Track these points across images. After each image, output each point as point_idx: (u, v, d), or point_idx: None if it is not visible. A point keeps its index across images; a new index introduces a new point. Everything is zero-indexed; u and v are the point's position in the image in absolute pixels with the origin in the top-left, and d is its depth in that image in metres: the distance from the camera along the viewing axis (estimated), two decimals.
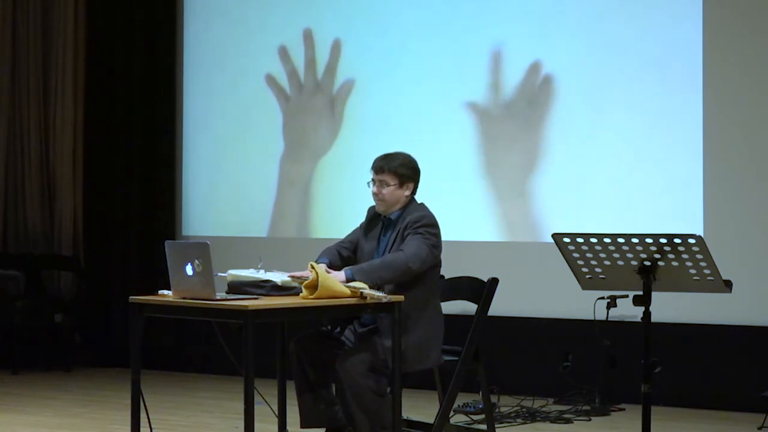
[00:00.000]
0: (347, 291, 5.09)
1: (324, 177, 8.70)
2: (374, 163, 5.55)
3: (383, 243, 5.53)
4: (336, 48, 8.66)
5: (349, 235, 5.72)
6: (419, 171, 5.56)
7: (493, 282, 5.61)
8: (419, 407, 6.70)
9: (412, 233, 5.37)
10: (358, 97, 8.57)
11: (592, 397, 7.34)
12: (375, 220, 5.63)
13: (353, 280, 5.17)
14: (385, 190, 5.48)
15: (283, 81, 8.87)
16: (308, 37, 8.76)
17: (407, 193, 5.52)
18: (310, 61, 8.76)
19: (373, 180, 5.53)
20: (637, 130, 7.67)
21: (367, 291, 5.09)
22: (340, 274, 5.20)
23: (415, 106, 8.34)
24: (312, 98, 8.78)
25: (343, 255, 5.63)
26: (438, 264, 5.48)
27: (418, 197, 5.60)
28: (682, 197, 7.52)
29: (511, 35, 8.03)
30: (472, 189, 8.12)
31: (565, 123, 7.87)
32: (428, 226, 5.41)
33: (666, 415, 7.04)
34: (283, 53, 8.85)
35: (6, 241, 9.61)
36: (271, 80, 8.91)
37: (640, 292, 4.46)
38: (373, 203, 5.60)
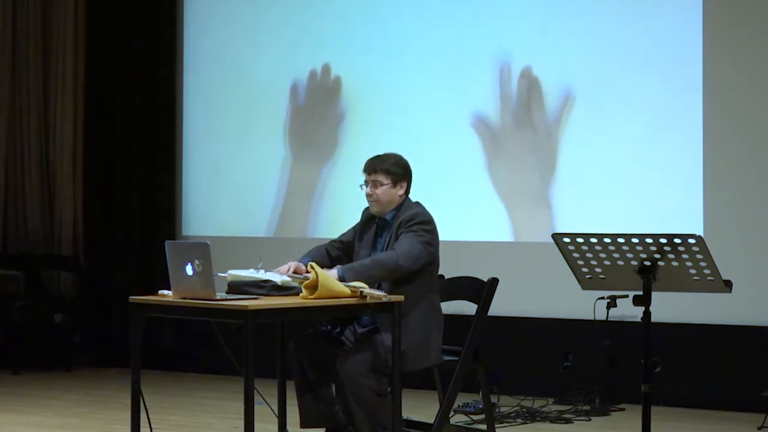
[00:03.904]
0: (347, 291, 5.08)
1: (324, 177, 8.69)
2: (366, 165, 5.53)
3: (380, 245, 5.50)
4: (338, 49, 8.66)
5: (342, 234, 5.70)
6: (411, 170, 5.55)
7: (493, 282, 5.60)
8: (419, 407, 6.69)
9: (405, 231, 5.35)
10: (360, 97, 8.56)
11: (592, 397, 7.33)
12: (369, 222, 5.61)
13: (343, 279, 5.15)
14: (379, 190, 5.46)
15: (284, 82, 8.86)
16: (311, 39, 8.76)
17: (401, 192, 5.50)
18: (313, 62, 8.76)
19: (366, 181, 5.52)
20: (637, 131, 7.66)
21: (368, 290, 5.08)
22: (333, 272, 5.18)
23: (416, 108, 8.33)
24: (314, 99, 8.77)
25: (332, 254, 5.61)
26: (434, 261, 5.47)
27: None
28: (682, 197, 7.52)
29: (512, 39, 8.03)
30: (473, 189, 8.11)
31: (565, 123, 7.86)
32: (421, 223, 5.39)
33: (666, 415, 7.04)
34: (284, 56, 8.85)
35: (6, 241, 9.61)
36: (271, 81, 8.90)
37: (640, 292, 4.45)
38: (367, 205, 5.59)
